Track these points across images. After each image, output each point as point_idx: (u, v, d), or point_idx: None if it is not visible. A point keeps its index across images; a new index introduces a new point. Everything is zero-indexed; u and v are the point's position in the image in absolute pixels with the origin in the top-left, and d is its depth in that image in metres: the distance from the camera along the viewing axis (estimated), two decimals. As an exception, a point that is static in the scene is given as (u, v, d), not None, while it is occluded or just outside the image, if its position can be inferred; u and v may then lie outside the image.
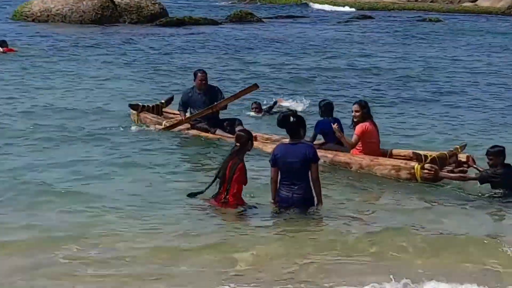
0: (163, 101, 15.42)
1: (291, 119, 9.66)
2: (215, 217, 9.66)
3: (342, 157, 12.48)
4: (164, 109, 15.34)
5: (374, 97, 19.19)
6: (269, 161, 9.81)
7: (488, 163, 11.04)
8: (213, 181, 9.87)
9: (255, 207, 9.94)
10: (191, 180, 11.47)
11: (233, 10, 42.82)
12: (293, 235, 9.14)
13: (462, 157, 11.87)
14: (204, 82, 14.36)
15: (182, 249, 8.56)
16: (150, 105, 15.19)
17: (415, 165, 11.59)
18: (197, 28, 35.47)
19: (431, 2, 53.39)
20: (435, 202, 10.78)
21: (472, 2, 53.26)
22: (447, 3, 52.72)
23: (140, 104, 15.22)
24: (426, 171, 11.50)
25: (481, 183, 11.05)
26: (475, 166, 11.66)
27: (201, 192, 10.07)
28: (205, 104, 14.22)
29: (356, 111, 12.42)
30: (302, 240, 8.99)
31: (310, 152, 9.62)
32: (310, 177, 9.63)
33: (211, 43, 30.28)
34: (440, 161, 11.62)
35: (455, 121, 16.80)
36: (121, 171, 11.84)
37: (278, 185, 9.74)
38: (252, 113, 16.53)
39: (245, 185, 9.82)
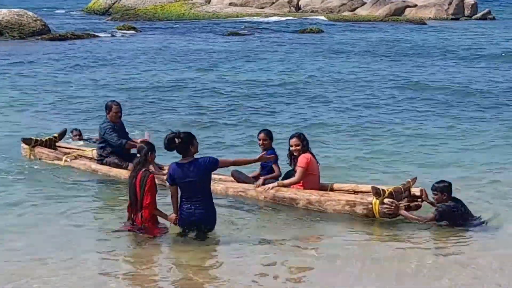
0: (56, 135, 14.75)
1: (177, 141, 9.51)
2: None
3: (286, 192, 11.46)
4: (57, 143, 14.64)
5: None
6: (166, 180, 9.83)
7: (433, 198, 10.74)
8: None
9: (167, 228, 9.88)
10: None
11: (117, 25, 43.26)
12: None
13: (416, 190, 11.16)
14: (120, 114, 13.62)
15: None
16: (43, 139, 14.52)
17: (373, 200, 10.78)
18: (80, 41, 35.87)
19: (311, 12, 54.25)
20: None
21: (351, 11, 54.41)
22: (327, 13, 53.66)
23: (33, 138, 14.53)
24: (386, 206, 10.69)
25: (439, 220, 10.54)
26: (429, 200, 10.96)
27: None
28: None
29: (296, 145, 11.44)
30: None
31: (208, 161, 9.60)
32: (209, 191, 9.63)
33: (93, 57, 30.58)
34: (396, 195, 10.83)
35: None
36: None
37: (179, 200, 9.67)
38: (73, 141, 15.71)
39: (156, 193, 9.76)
